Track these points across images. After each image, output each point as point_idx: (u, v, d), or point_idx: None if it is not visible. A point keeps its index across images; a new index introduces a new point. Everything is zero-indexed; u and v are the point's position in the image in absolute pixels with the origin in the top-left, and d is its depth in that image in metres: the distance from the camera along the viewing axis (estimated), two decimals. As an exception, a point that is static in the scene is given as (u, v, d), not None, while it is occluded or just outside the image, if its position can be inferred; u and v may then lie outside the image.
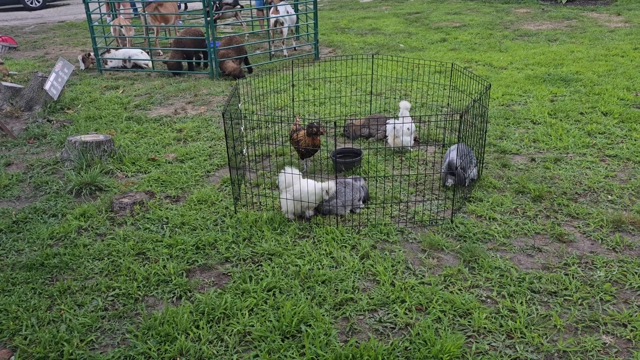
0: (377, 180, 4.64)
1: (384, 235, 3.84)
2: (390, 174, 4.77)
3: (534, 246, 3.67)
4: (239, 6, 11.36)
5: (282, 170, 3.98)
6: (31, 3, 19.65)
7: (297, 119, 4.91)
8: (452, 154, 4.35)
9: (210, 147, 5.57)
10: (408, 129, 5.06)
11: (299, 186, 3.90)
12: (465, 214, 4.09)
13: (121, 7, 12.08)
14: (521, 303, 3.11)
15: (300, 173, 4.08)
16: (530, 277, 3.33)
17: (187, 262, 3.62)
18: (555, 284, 3.28)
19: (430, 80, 7.11)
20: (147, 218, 4.21)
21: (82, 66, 9.12)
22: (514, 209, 4.14)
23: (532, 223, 3.93)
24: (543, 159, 4.93)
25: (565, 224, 3.92)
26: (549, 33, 10.23)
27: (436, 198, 4.34)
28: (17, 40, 12.08)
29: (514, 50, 9.00)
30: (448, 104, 6.25)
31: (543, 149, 5.17)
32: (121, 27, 10.10)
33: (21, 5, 19.55)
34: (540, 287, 3.24)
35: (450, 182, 4.44)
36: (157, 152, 5.48)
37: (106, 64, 9.12)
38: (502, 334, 2.90)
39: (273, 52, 9.52)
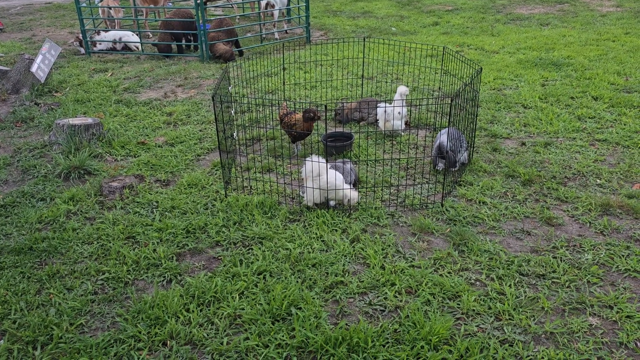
0: (367, 164, 4.64)
1: (375, 219, 3.85)
2: (381, 157, 4.77)
3: (523, 230, 3.70)
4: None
5: (309, 159, 3.88)
6: (17, -16, 19.22)
7: (284, 104, 4.88)
8: (443, 137, 4.35)
9: (200, 130, 5.53)
10: (399, 113, 5.05)
11: (326, 177, 3.82)
12: (455, 198, 4.10)
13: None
14: (510, 286, 3.14)
15: (351, 164, 4.03)
16: (519, 260, 3.36)
17: (178, 246, 3.62)
18: (543, 266, 3.31)
19: (421, 64, 7.08)
20: (137, 202, 4.19)
21: (82, 50, 8.92)
22: (503, 192, 4.16)
23: (522, 207, 3.96)
24: (533, 143, 4.94)
25: (554, 208, 3.95)
26: (541, 17, 10.20)
27: (427, 182, 4.35)
28: (3, 22, 11.86)
29: (506, 35, 8.98)
30: (439, 87, 6.24)
31: (533, 133, 5.18)
32: (110, 8, 9.94)
33: (7, -14, 19.13)
34: (529, 270, 3.27)
35: (440, 165, 4.45)
36: (147, 135, 5.44)
37: (95, 46, 8.99)
38: (491, 316, 2.93)
39: (264, 35, 9.43)
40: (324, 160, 3.85)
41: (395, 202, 4.08)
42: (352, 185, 4.18)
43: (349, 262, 3.40)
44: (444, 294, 3.10)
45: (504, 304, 3.00)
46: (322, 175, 3.82)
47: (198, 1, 7.92)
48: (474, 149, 4.77)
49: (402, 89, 5.04)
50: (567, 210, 3.91)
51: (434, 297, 3.07)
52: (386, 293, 3.11)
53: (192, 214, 3.98)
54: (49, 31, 11.11)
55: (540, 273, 3.25)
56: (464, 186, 4.25)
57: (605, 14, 10.29)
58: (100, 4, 10.09)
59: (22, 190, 4.41)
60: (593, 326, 2.85)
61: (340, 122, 5.50)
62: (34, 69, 6.43)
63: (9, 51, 9.19)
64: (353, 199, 3.90)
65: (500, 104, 5.91)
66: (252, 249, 3.55)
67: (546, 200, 4.04)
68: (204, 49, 8.14)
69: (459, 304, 3.02)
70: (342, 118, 5.49)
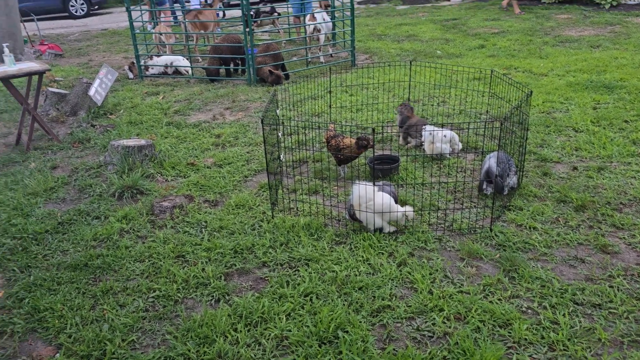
0: (414, 188, 4.61)
1: (422, 242, 3.81)
2: (428, 181, 4.73)
3: (577, 257, 3.58)
4: (276, 14, 11.50)
5: (356, 183, 3.87)
6: (76, 12, 20.34)
7: (331, 126, 4.93)
8: (491, 161, 4.28)
9: (247, 152, 5.64)
10: (445, 136, 5.01)
11: (380, 200, 3.81)
12: (504, 223, 4.02)
13: (162, 15, 12.38)
14: (564, 315, 3.04)
15: (392, 187, 4.05)
16: (573, 288, 3.25)
17: (226, 266, 3.67)
18: (599, 296, 3.18)
19: (468, 87, 7.03)
20: (187, 221, 4.29)
21: (131, 75, 9.32)
22: (555, 218, 4.04)
23: (575, 233, 3.84)
24: (586, 168, 4.81)
25: (609, 235, 3.81)
26: (591, 39, 9.98)
27: (475, 206, 4.28)
28: (62, 48, 12.52)
29: (554, 57, 8.81)
30: (487, 111, 6.17)
31: (586, 158, 5.04)
32: (161, 34, 10.36)
33: (67, 14, 20.26)
34: (584, 299, 3.16)
35: (488, 190, 4.38)
36: (196, 156, 5.59)
37: (148, 70, 9.35)
38: (544, 346, 2.84)
39: (310, 59, 9.58)
40: (371, 184, 3.85)
41: (443, 226, 4.03)
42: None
43: (396, 286, 3.37)
44: (494, 321, 3.02)
45: (558, 334, 2.90)
46: (374, 200, 3.80)
47: (247, 30, 8.14)
48: (524, 173, 4.67)
49: (448, 134, 5.02)
50: (624, 237, 3.77)
51: (483, 325, 3.00)
52: (434, 319, 3.06)
53: (240, 234, 4.04)
54: (105, 56, 11.64)
55: (596, 303, 3.13)
56: (514, 211, 4.16)
57: (659, 35, 9.98)
58: (153, 31, 10.52)
59: (79, 208, 4.59)
60: (655, 360, 2.72)
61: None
62: (91, 92, 6.74)
63: (68, 75, 9.67)
64: (410, 215, 3.88)
65: (550, 127, 5.78)
66: (298, 270, 3.57)
67: (601, 227, 3.91)
68: (251, 72, 8.34)
69: (510, 332, 2.94)
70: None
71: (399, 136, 5.73)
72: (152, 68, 9.37)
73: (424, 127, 5.18)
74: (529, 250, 3.67)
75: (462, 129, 5.71)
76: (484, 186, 4.41)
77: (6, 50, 6.03)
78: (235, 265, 3.68)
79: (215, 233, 4.09)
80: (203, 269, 3.64)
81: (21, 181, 5.18)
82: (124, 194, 4.77)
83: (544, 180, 4.64)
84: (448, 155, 5.17)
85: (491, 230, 3.90)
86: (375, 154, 5.22)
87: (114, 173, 5.11)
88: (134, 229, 4.23)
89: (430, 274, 3.46)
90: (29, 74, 6.03)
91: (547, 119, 6.02)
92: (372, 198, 3.79)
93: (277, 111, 5.03)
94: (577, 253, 3.62)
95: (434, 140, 5.04)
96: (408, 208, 3.91)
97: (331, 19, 10.14)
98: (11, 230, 4.28)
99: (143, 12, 10.21)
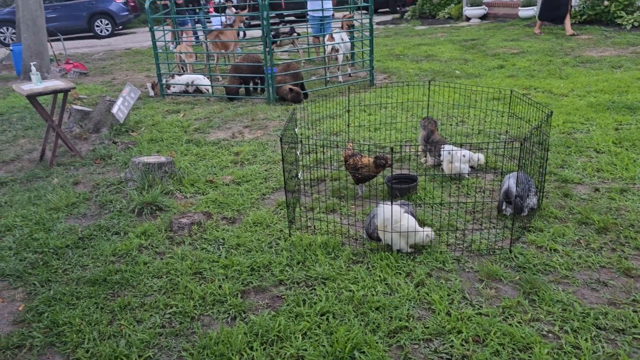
0: (432, 207, 4.58)
1: (440, 263, 3.77)
2: (447, 201, 4.70)
3: (599, 280, 3.50)
4: (295, 34, 11.65)
5: (381, 204, 3.84)
6: (101, 32, 20.87)
7: (350, 145, 4.95)
8: (510, 181, 4.25)
9: (266, 170, 5.67)
10: (464, 156, 4.99)
11: (406, 222, 3.78)
12: (524, 244, 3.96)
13: (184, 35, 12.62)
14: (586, 339, 2.96)
15: (410, 207, 4.02)
16: (595, 312, 3.17)
17: (242, 283, 3.68)
18: (623, 320, 3.11)
19: (487, 107, 7.00)
20: (204, 238, 4.31)
21: (152, 93, 9.49)
22: (576, 240, 3.98)
23: (597, 256, 3.76)
24: (608, 189, 4.73)
25: (632, 258, 3.73)
26: (612, 60, 9.90)
27: (494, 227, 4.23)
28: (87, 67, 12.81)
29: (575, 77, 8.75)
30: (506, 131, 6.13)
31: (608, 179, 4.96)
32: (181, 53, 10.55)
33: (92, 34, 20.79)
34: (607, 324, 3.08)
35: (508, 210, 4.33)
36: (215, 174, 5.64)
37: (169, 88, 9.51)
38: (566, 372, 2.77)
39: (329, 78, 9.66)
40: (397, 206, 3.83)
41: (461, 246, 3.99)
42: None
43: (414, 306, 3.33)
44: (513, 344, 2.96)
45: (580, 359, 2.83)
46: (400, 222, 3.77)
47: (267, 50, 8.25)
48: (544, 194, 4.61)
49: (466, 154, 5.01)
50: (648, 261, 3.69)
51: (503, 348, 2.94)
52: (452, 341, 3.02)
53: (257, 252, 4.05)
54: (127, 75, 11.88)
55: (620, 327, 3.05)
56: (534, 232, 4.11)
57: (683, 56, 9.86)
58: (175, 50, 10.72)
59: (99, 223, 4.65)
60: (682, 389, 2.63)
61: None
62: (114, 110, 6.87)
63: (92, 93, 9.88)
64: (431, 236, 3.86)
65: (570, 148, 5.72)
66: (315, 289, 3.56)
67: (624, 249, 3.83)
68: (270, 91, 8.43)
69: (530, 357, 2.87)
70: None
71: (418, 155, 5.72)
72: (174, 87, 9.53)
73: (442, 146, 5.16)
74: (549, 273, 3.61)
75: (480, 148, 5.68)
76: (504, 207, 4.37)
77: (33, 68, 6.19)
78: (252, 283, 3.68)
79: (232, 250, 4.10)
80: (220, 286, 3.64)
81: (44, 196, 5.27)
82: (144, 210, 4.82)
83: (565, 201, 4.58)
84: (467, 175, 5.13)
85: (511, 251, 3.85)
86: (393, 173, 5.21)
87: (134, 189, 5.18)
88: (152, 245, 4.27)
89: (449, 295, 3.41)
90: (55, 92, 6.18)
91: (567, 139, 5.96)
92: (398, 220, 3.77)
93: (296, 130, 5.06)
94: (600, 276, 3.55)
95: (453, 160, 5.01)
96: (427, 229, 3.88)
97: (350, 39, 10.23)
98: (33, 245, 4.35)
99: (166, 32, 10.42)
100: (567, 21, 12.62)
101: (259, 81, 9.17)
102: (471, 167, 5.19)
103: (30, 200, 5.22)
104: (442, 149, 5.14)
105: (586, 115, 6.72)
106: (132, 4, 22.40)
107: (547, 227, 4.15)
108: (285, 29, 11.55)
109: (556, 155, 5.54)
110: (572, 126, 6.41)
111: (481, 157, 5.27)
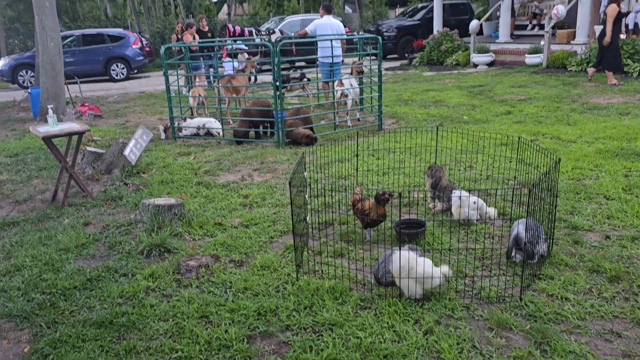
0: (441, 253, 4.55)
1: (449, 310, 3.72)
2: (455, 246, 4.68)
3: (613, 330, 3.43)
4: (305, 79, 11.89)
5: (396, 249, 3.83)
6: (116, 75, 21.44)
7: (357, 189, 4.97)
8: (520, 227, 4.23)
9: (274, 213, 5.70)
10: (474, 202, 4.99)
11: (422, 268, 3.75)
12: (535, 292, 3.91)
13: (197, 79, 12.93)
14: (600, 393, 2.89)
15: (419, 252, 4.01)
16: (609, 364, 3.10)
17: (249, 328, 3.64)
18: (638, 373, 3.03)
19: (495, 152, 7.04)
20: (212, 281, 4.30)
21: (163, 136, 9.66)
22: (588, 288, 3.92)
23: (610, 305, 3.70)
24: (619, 237, 4.69)
25: (646, 308, 3.66)
26: (620, 106, 9.98)
27: (503, 274, 4.19)
28: (101, 109, 13.10)
29: (583, 124, 8.81)
30: (515, 177, 6.14)
31: (618, 226, 4.93)
32: (194, 97, 10.78)
33: (107, 77, 21.35)
34: (621, 377, 3.01)
35: (518, 257, 4.29)
36: (224, 216, 5.66)
37: (181, 131, 9.68)
38: None
39: (337, 123, 9.79)
40: (413, 252, 3.81)
41: (471, 293, 3.95)
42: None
43: (422, 355, 3.27)
44: (525, 397, 2.89)
45: (595, 414, 2.74)
46: (417, 267, 3.74)
47: (278, 94, 8.43)
48: (554, 240, 4.58)
49: (474, 200, 5.02)
50: (662, 311, 3.62)
51: (514, 400, 2.87)
52: (462, 392, 2.95)
53: (264, 296, 4.02)
54: (141, 117, 12.11)
55: (635, 381, 2.97)
56: (544, 280, 4.06)
57: (690, 104, 9.92)
58: (190, 95, 10.97)
59: (107, 265, 4.66)
60: None
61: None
62: (126, 152, 6.98)
63: (105, 135, 10.07)
64: (449, 274, 3.83)
65: (580, 194, 5.71)
66: (322, 335, 3.51)
67: (637, 299, 3.76)
68: (280, 135, 8.54)
69: (543, 410, 2.79)
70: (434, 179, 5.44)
71: (426, 200, 5.73)
72: (185, 129, 9.70)
73: (453, 191, 5.17)
74: (561, 322, 3.55)
75: (489, 194, 5.68)
76: (513, 253, 4.33)
77: (50, 111, 6.35)
78: (259, 328, 3.64)
79: (239, 294, 4.08)
80: (226, 331, 3.61)
81: (54, 237, 5.31)
82: (152, 252, 4.83)
83: (575, 248, 4.54)
84: (475, 221, 5.12)
85: (521, 299, 3.80)
86: (402, 217, 5.21)
87: (144, 231, 5.21)
88: (159, 288, 4.26)
89: (458, 343, 3.35)
90: (70, 134, 6.31)
91: (576, 185, 5.95)
92: (414, 266, 3.75)
93: (305, 174, 5.11)
94: (613, 326, 3.48)
95: (462, 206, 5.02)
96: (444, 268, 3.84)
97: (359, 84, 10.42)
98: (41, 285, 4.35)
99: (180, 76, 10.68)
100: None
101: (268, 125, 9.31)
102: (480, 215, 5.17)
103: (40, 241, 5.25)
104: (452, 194, 5.15)
105: (595, 162, 6.73)
106: (148, 49, 23.07)
107: (557, 275, 4.10)
108: (295, 74, 11.80)
109: (565, 202, 5.53)
110: (581, 172, 6.41)
111: (493, 210, 5.19)
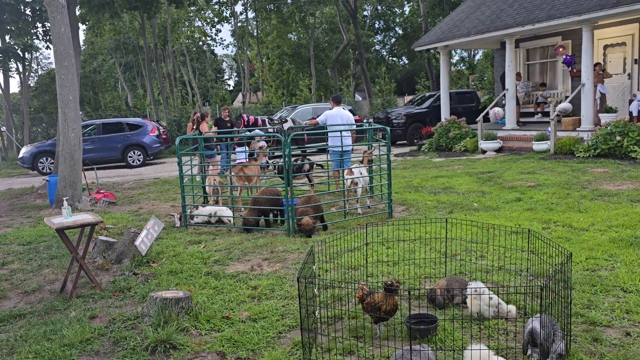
0: (454, 352, 4.40)
1: (464, 416, 3.54)
2: (469, 343, 4.52)
3: None
4: (317, 166, 12.12)
5: (468, 348, 3.74)
6: (133, 162, 22.05)
7: (362, 284, 4.91)
8: (535, 323, 4.10)
9: (283, 306, 5.60)
10: (491, 298, 4.88)
11: None
12: (554, 396, 3.72)
13: (211, 167, 13.23)
14: None
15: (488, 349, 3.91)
16: None
17: None
18: None
19: (506, 241, 6.98)
20: (217, 381, 4.16)
21: (178, 224, 9.74)
22: (610, 392, 3.73)
23: (634, 411, 3.50)
24: (639, 334, 4.52)
25: (674, 415, 3.45)
26: (630, 193, 9.96)
27: (520, 374, 4.01)
28: (116, 195, 13.35)
29: (594, 211, 8.77)
30: (527, 268, 6.04)
31: (638, 322, 4.76)
32: (210, 186, 11.00)
33: (124, 164, 21.95)
34: None
35: (534, 356, 4.13)
36: (232, 309, 5.57)
37: (192, 219, 9.77)
38: None
39: (347, 210, 9.85)
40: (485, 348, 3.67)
41: (486, 396, 3.76)
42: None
43: None
44: None
45: None
46: None
47: (289, 188, 8.57)
48: (572, 337, 4.42)
49: (495, 298, 4.95)
50: (691, 418, 3.40)
51: None
52: None
53: (271, 398, 3.87)
54: (154, 204, 12.29)
55: None
56: (563, 381, 3.87)
57: (702, 190, 9.88)
58: (207, 184, 11.21)
59: (111, 362, 4.55)
60: None
61: (433, 302, 5.34)
62: (137, 242, 7.03)
63: (118, 222, 10.18)
64: (513, 311, 3.68)
65: (596, 286, 5.57)
66: None
67: (663, 404, 3.56)
68: (290, 223, 8.58)
69: None
70: (436, 300, 5.32)
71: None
72: (197, 217, 9.79)
73: (469, 283, 5.09)
74: None
75: (502, 287, 5.56)
76: (529, 352, 4.17)
77: (65, 203, 6.49)
78: None
79: (245, 395, 3.93)
80: None
81: (59, 331, 5.24)
82: (157, 349, 4.72)
83: (595, 346, 4.36)
84: (489, 317, 4.98)
85: (540, 403, 3.61)
86: (412, 312, 5.10)
87: (150, 325, 5.12)
88: (163, 388, 4.12)
89: None
90: (82, 226, 6.39)
91: (592, 277, 5.82)
92: None
93: (314, 267, 5.08)
94: None
95: (478, 299, 4.90)
96: (510, 307, 3.67)
97: (369, 172, 10.58)
98: (42, 385, 4.24)
99: (194, 165, 10.96)
100: None
101: (278, 213, 9.38)
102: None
103: (45, 335, 5.18)
104: (468, 286, 5.05)
105: (609, 251, 6.62)
106: (165, 136, 23.86)
107: (577, 376, 3.92)
108: (306, 165, 12.02)
109: (581, 295, 5.39)
110: (595, 263, 6.30)
111: (512, 308, 5.06)
